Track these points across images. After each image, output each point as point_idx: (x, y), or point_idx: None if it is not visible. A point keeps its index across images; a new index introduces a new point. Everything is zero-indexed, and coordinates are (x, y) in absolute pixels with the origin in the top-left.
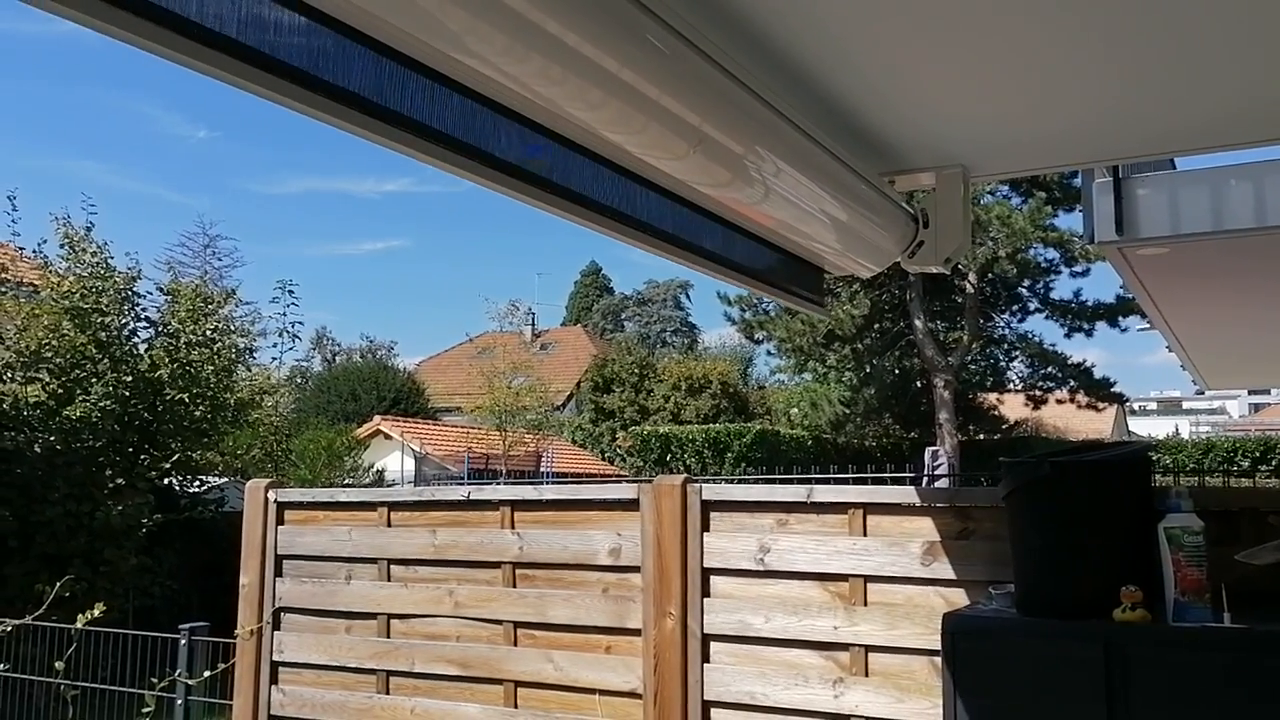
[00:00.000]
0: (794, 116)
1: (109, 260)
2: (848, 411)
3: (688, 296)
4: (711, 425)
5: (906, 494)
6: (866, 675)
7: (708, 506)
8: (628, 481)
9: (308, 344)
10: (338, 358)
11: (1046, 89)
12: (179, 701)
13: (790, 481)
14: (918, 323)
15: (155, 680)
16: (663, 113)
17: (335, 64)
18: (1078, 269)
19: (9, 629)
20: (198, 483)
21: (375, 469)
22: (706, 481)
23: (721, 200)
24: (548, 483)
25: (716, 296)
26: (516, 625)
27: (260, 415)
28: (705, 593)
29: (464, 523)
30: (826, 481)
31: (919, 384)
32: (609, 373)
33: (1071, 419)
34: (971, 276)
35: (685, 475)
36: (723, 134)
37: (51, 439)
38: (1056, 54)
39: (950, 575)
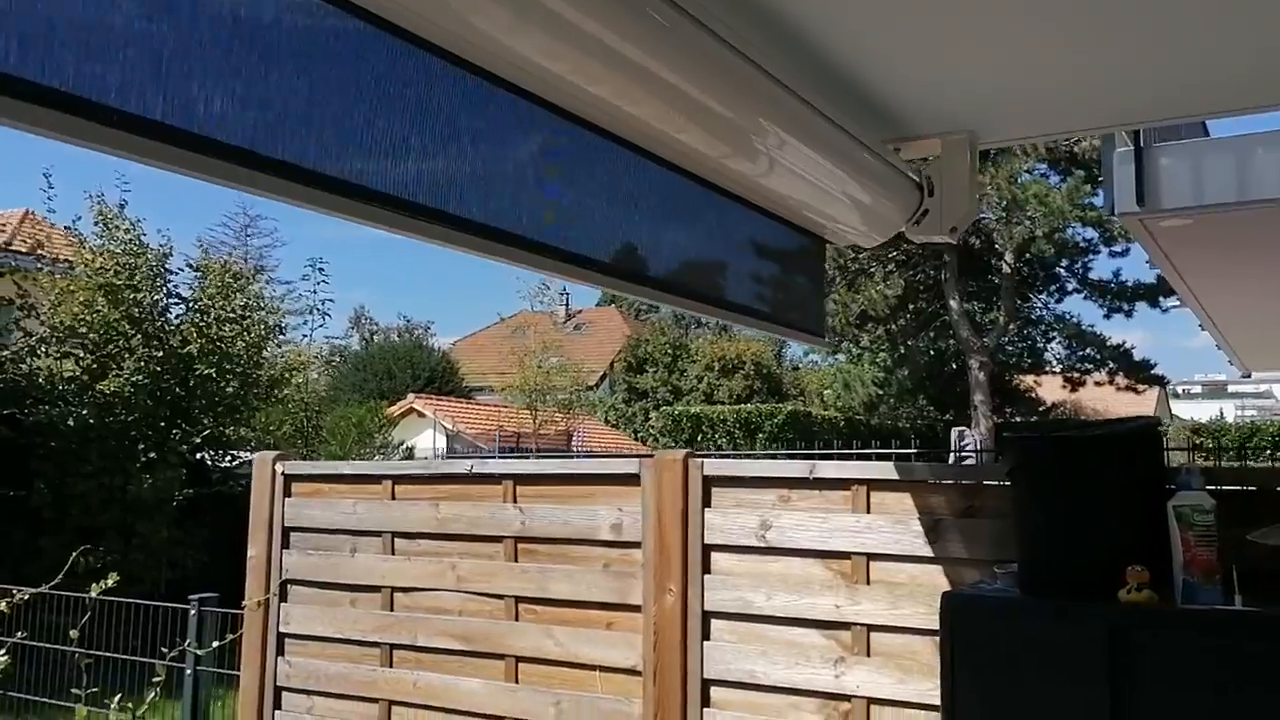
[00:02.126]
0: (792, 84)
1: (141, 237)
2: (881, 393)
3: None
4: (743, 406)
5: (911, 470)
6: (868, 655)
7: (709, 482)
8: (632, 457)
9: (346, 323)
10: (375, 337)
11: (1059, 47)
12: (188, 672)
13: (804, 458)
14: (953, 303)
15: (165, 650)
16: (663, 86)
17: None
18: (1117, 248)
19: (26, 597)
20: (229, 458)
21: (405, 446)
22: (709, 457)
23: (722, 173)
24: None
25: None
26: (518, 600)
27: (291, 392)
28: (706, 569)
29: (467, 496)
30: (831, 458)
31: (954, 365)
32: (642, 353)
33: (1111, 401)
34: (1008, 256)
35: (687, 450)
36: (724, 107)
37: (84, 413)
38: (1069, 8)
39: (955, 554)
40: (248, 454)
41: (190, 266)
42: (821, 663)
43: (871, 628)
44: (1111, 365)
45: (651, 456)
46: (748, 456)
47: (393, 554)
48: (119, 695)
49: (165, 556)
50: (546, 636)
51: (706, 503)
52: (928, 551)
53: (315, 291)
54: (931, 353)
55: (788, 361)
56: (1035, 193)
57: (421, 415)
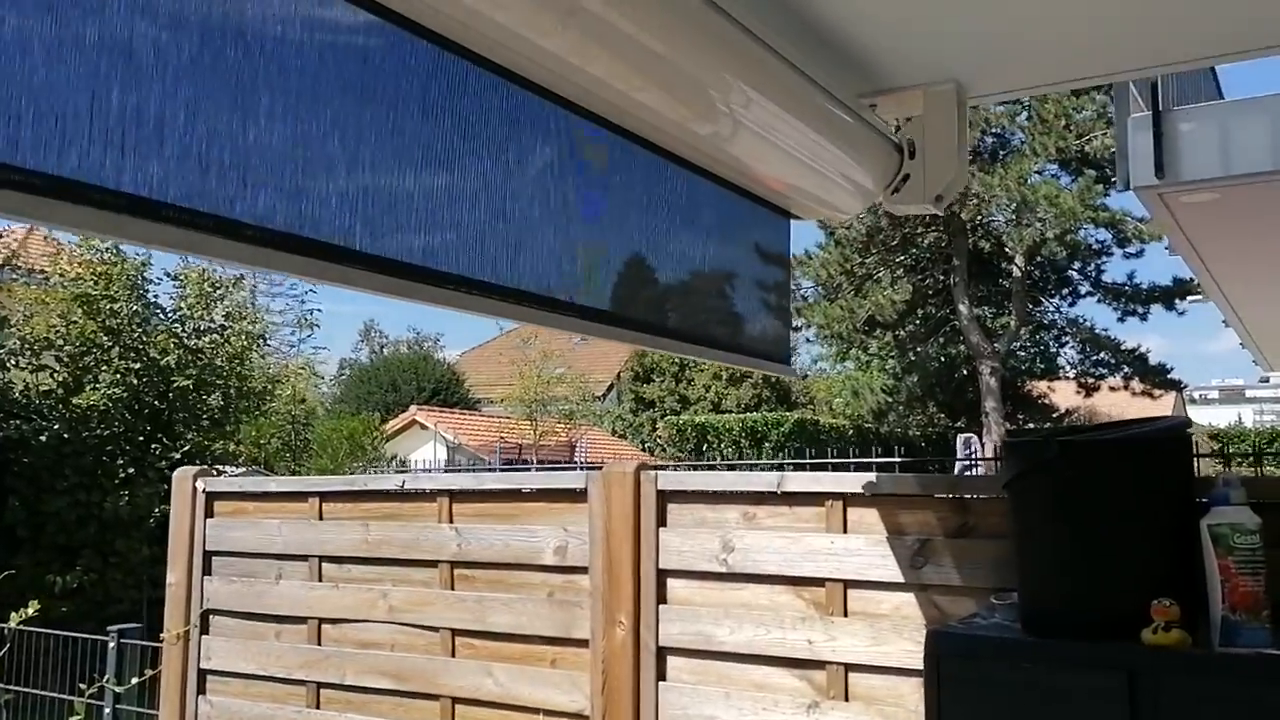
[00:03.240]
0: (751, 26)
1: (118, 246)
2: (890, 400)
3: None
4: (749, 414)
5: (895, 483)
6: (846, 699)
7: (664, 498)
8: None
9: (356, 336)
10: (385, 349)
11: None
12: (107, 710)
13: (815, 467)
14: (962, 308)
15: (84, 686)
16: (624, 40)
17: None
18: (1131, 250)
19: None
20: (214, 473)
21: (398, 459)
22: (664, 469)
23: (683, 137)
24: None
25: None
26: (455, 633)
27: (276, 405)
28: (661, 599)
29: (399, 515)
30: (842, 467)
31: (964, 371)
32: (649, 362)
33: (1126, 407)
34: (1019, 259)
35: (639, 463)
36: (685, 60)
37: (57, 428)
38: None
39: (946, 580)
40: (233, 469)
41: (168, 275)
42: (793, 708)
43: (850, 667)
44: (1127, 370)
45: (599, 469)
46: (752, 466)
47: (320, 580)
48: None
49: (146, 575)
50: (485, 675)
51: (662, 521)
52: (915, 578)
53: (303, 302)
54: (941, 359)
55: (797, 370)
56: (1045, 194)
57: (424, 427)
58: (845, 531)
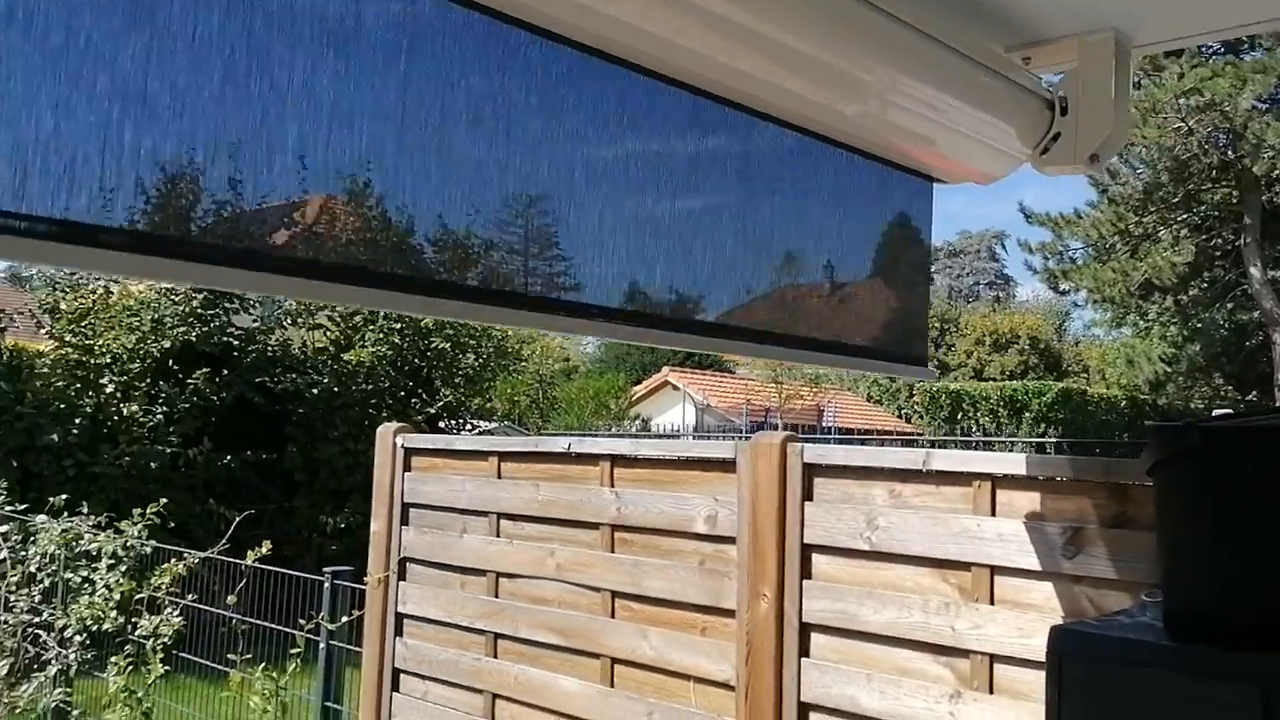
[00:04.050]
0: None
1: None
2: (1169, 370)
3: (1003, 247)
4: (1008, 383)
5: (1048, 464)
6: (990, 692)
7: (810, 471)
8: (730, 439)
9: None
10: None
11: None
12: (322, 645)
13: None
14: (1254, 271)
15: (303, 622)
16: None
17: None
18: None
19: (198, 561)
20: (470, 426)
21: (641, 419)
22: (813, 441)
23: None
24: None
25: (1018, 245)
26: (614, 594)
27: (528, 364)
28: (805, 574)
29: (567, 477)
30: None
31: (1256, 340)
32: None
33: None
34: None
35: (787, 433)
36: (830, 54)
37: (328, 382)
38: None
39: (1101, 572)
40: (487, 424)
41: (428, 241)
42: (934, 695)
43: (995, 658)
44: None
45: (749, 438)
46: (1010, 438)
47: (498, 536)
48: (263, 665)
49: None
50: (641, 637)
51: (808, 495)
52: (1067, 567)
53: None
54: (1229, 326)
55: (1070, 337)
56: None
57: (675, 389)
58: (994, 514)
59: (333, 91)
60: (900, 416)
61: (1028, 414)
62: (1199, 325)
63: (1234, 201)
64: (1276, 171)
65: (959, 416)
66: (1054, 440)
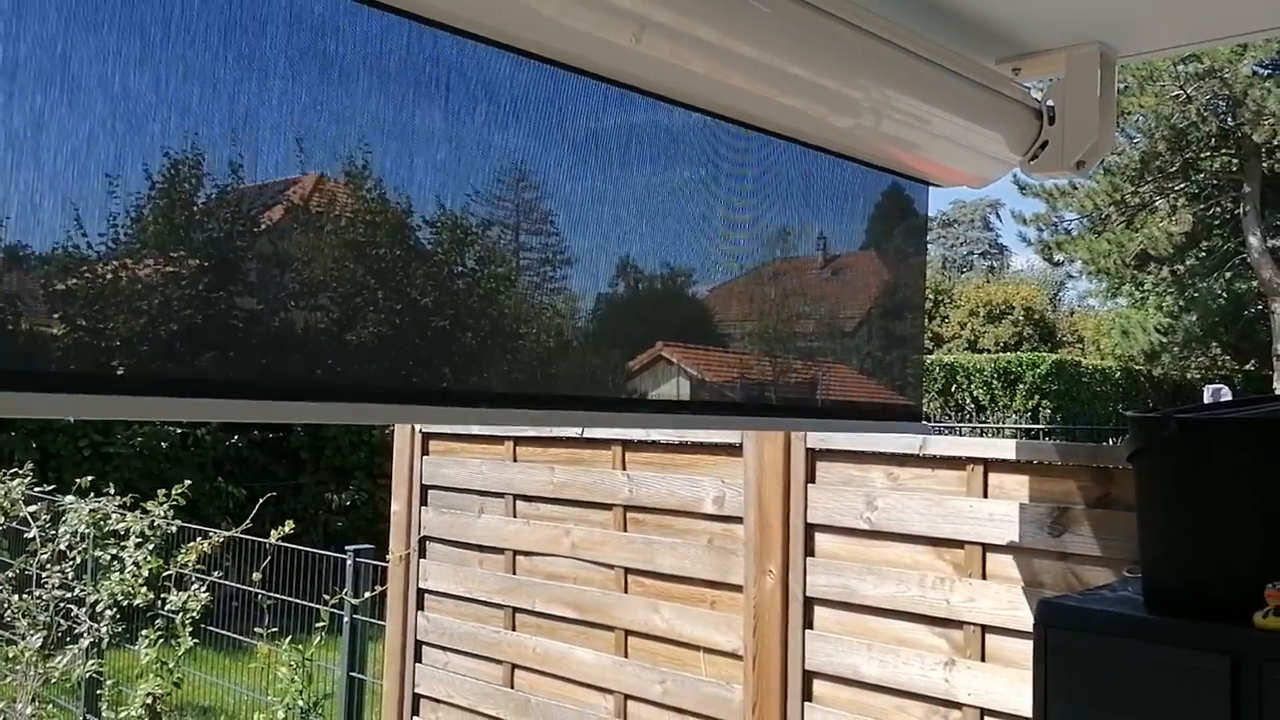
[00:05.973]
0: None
1: (384, 195)
2: (1164, 340)
3: (997, 216)
4: (1002, 354)
5: (1037, 449)
6: (982, 659)
7: (813, 455)
8: None
9: (612, 271)
10: (640, 285)
11: None
12: (345, 619)
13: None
14: (1253, 240)
15: (327, 597)
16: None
17: None
18: None
19: (221, 540)
20: None
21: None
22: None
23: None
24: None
25: (1011, 216)
26: (627, 571)
27: (524, 343)
28: (809, 551)
29: (580, 460)
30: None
31: (1255, 310)
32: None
33: None
34: None
35: None
36: (824, 75)
37: (331, 362)
38: None
39: (1084, 550)
40: None
41: (425, 223)
42: (930, 663)
43: (987, 628)
44: None
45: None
46: (1002, 418)
47: (514, 516)
48: (289, 638)
49: None
50: (653, 611)
51: (810, 478)
52: (1054, 544)
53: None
54: (1226, 296)
55: (1064, 307)
56: None
57: (670, 363)
58: (986, 496)
59: None
60: (895, 389)
61: (1021, 386)
62: (1196, 295)
63: (1233, 170)
64: (1277, 139)
65: (953, 389)
66: (1048, 409)
